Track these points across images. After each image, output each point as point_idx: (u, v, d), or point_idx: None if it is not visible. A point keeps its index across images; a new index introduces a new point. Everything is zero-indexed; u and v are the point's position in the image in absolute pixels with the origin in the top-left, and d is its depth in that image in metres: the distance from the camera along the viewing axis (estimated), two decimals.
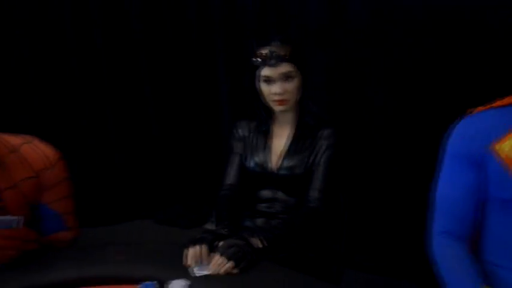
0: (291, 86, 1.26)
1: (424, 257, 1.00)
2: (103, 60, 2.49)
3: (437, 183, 1.01)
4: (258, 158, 1.35)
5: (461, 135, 0.97)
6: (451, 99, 1.75)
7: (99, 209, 2.56)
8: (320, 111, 1.36)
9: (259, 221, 1.35)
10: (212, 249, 1.09)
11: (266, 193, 1.35)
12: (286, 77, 1.25)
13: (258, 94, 1.32)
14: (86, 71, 2.49)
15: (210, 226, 2.58)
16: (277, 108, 1.29)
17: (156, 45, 2.46)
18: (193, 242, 1.10)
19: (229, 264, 1.03)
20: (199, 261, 1.07)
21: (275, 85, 1.25)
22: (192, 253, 1.08)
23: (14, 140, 1.21)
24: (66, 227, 1.26)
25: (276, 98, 1.26)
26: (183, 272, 1.04)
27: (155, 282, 1.00)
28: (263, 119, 1.37)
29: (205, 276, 1.03)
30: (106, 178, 2.59)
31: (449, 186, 0.99)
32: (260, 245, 1.10)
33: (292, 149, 1.33)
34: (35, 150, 1.20)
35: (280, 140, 1.36)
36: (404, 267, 1.95)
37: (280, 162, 1.33)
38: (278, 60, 1.23)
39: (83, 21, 2.43)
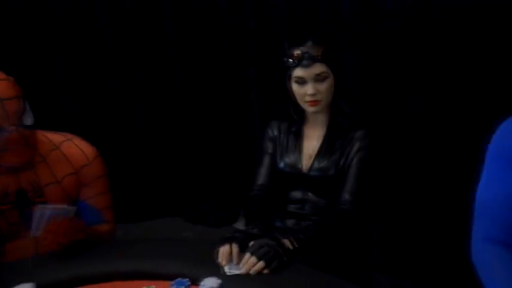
0: (324, 86, 1.25)
1: (458, 263, 0.96)
2: (138, 61, 2.55)
3: (479, 186, 0.97)
4: (289, 159, 1.35)
5: (504, 136, 0.93)
6: (491, 99, 1.68)
7: (131, 206, 2.62)
8: (352, 112, 1.34)
9: (290, 222, 1.34)
10: (243, 249, 1.10)
11: (297, 194, 1.35)
12: (318, 78, 1.24)
13: (289, 95, 1.32)
14: (122, 71, 2.57)
15: (239, 225, 2.60)
16: (309, 109, 1.29)
17: (188, 46, 2.50)
18: (225, 241, 1.11)
19: (260, 264, 1.04)
20: (231, 260, 1.08)
21: (308, 86, 1.25)
22: (223, 252, 1.09)
23: (56, 137, 1.26)
24: (104, 221, 1.30)
25: (309, 98, 1.26)
26: (215, 270, 1.05)
27: (187, 279, 1.02)
28: (294, 120, 1.37)
29: (237, 275, 1.04)
30: (138, 176, 2.66)
31: (491, 189, 0.94)
32: (291, 246, 1.10)
33: (324, 150, 1.32)
34: (75, 148, 1.25)
35: (312, 141, 1.35)
36: (437, 274, 1.89)
37: (311, 163, 1.32)
38: (311, 60, 1.23)
39: (120, 23, 2.50)
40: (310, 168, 1.32)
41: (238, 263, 1.07)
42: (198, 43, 2.49)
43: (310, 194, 1.33)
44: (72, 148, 1.25)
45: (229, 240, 1.11)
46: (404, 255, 1.98)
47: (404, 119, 1.92)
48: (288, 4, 2.18)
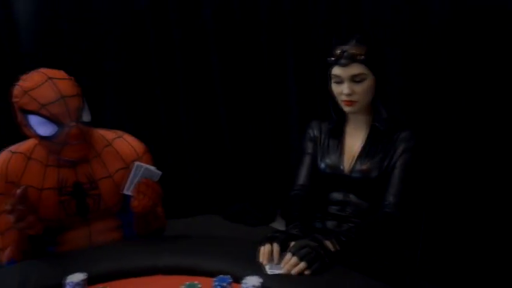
0: (360, 88, 1.22)
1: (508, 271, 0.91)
2: (179, 60, 2.61)
3: None
4: (330, 160, 1.33)
5: None
6: None
7: (171, 203, 2.68)
8: (394, 113, 1.31)
9: (330, 224, 1.33)
10: (284, 249, 1.10)
11: (338, 195, 1.33)
12: (355, 79, 1.21)
13: (331, 93, 1.30)
14: (164, 74, 2.63)
15: (276, 225, 2.60)
16: (345, 108, 1.27)
17: (228, 46, 2.53)
18: (266, 240, 1.11)
19: (302, 265, 1.03)
20: (271, 260, 1.08)
21: (344, 85, 1.23)
22: (264, 251, 1.09)
23: (108, 134, 1.33)
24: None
25: (344, 98, 1.24)
26: (257, 268, 1.05)
27: (229, 276, 1.03)
28: (336, 120, 1.35)
29: (278, 275, 1.04)
30: (179, 174, 2.72)
31: None
32: (333, 248, 1.08)
33: (366, 151, 1.29)
34: (125, 144, 1.32)
35: (354, 141, 1.32)
36: (487, 284, 1.80)
37: (353, 164, 1.30)
38: (349, 60, 1.21)
39: (162, 24, 2.57)
40: (352, 170, 1.29)
41: (279, 263, 1.07)
42: (237, 43, 2.51)
43: (351, 196, 1.30)
44: (123, 144, 1.31)
45: (270, 240, 1.11)
46: (451, 262, 1.90)
47: (450, 119, 1.85)
48: (328, 4, 2.16)
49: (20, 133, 1.24)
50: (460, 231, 1.87)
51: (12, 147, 1.27)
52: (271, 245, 1.10)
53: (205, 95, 2.64)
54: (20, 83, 1.17)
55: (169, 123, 2.70)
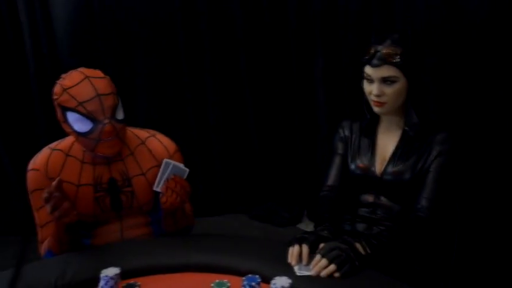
0: (390, 90, 1.19)
1: None
2: (207, 61, 2.63)
3: None
4: (361, 161, 1.31)
5: None
6: None
7: (198, 201, 2.72)
8: (428, 115, 1.27)
9: (360, 226, 1.31)
10: (313, 250, 1.09)
11: (368, 197, 1.30)
12: (386, 80, 1.19)
13: (362, 92, 1.28)
14: (193, 71, 2.67)
15: (302, 226, 2.59)
16: (374, 109, 1.25)
17: (255, 46, 2.53)
18: (295, 241, 1.11)
19: (331, 267, 1.02)
20: (300, 261, 1.08)
21: (374, 85, 1.21)
22: (292, 252, 1.09)
23: (141, 133, 1.37)
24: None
25: (373, 98, 1.22)
26: (285, 269, 1.05)
27: (258, 276, 1.03)
28: (368, 120, 1.33)
29: (307, 276, 1.03)
30: (206, 173, 2.75)
31: None
32: (363, 251, 1.07)
33: (399, 153, 1.26)
34: (158, 143, 1.35)
35: (386, 142, 1.30)
36: None
37: (384, 166, 1.27)
38: (381, 61, 1.18)
39: (192, 25, 2.60)
40: (384, 172, 1.27)
41: (308, 264, 1.07)
42: (266, 43, 2.51)
43: (382, 198, 1.28)
44: (156, 143, 1.35)
45: (299, 241, 1.11)
46: (486, 268, 1.83)
47: (486, 121, 1.78)
48: (358, 4, 2.13)
49: (60, 130, 1.28)
50: (496, 236, 1.80)
51: (52, 144, 1.32)
52: (300, 246, 1.09)
53: (233, 95, 2.66)
54: (60, 81, 1.22)
55: (197, 123, 2.73)
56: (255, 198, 2.73)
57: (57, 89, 1.21)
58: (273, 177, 2.67)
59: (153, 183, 1.22)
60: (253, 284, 1.00)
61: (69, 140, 1.32)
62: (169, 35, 2.64)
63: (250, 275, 1.03)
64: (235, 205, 2.77)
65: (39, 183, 1.24)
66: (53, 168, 1.26)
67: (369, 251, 1.07)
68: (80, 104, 1.17)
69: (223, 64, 2.62)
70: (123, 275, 1.04)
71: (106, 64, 2.68)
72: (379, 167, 1.28)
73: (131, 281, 1.06)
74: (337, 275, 1.02)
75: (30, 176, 1.26)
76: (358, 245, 1.07)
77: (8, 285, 0.42)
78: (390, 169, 1.26)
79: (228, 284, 1.01)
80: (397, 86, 1.20)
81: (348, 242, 1.07)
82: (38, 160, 1.27)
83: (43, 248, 1.27)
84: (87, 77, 1.20)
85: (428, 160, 1.22)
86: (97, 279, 1.02)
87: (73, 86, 1.18)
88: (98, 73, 1.24)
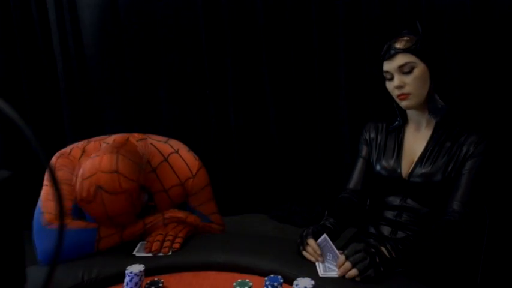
0: (410, 78, 1.17)
1: None
2: (229, 60, 2.65)
3: None
4: (386, 162, 1.28)
5: None
6: None
7: (219, 201, 2.73)
8: (446, 107, 1.22)
9: (385, 229, 1.28)
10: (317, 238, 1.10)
11: (394, 200, 1.27)
12: (403, 70, 1.16)
13: (389, 94, 1.26)
14: (214, 70, 2.69)
15: None
16: (401, 104, 1.21)
17: (277, 47, 2.53)
18: (300, 242, 1.12)
19: (353, 272, 1.00)
20: (324, 256, 1.07)
21: (394, 79, 1.19)
22: (308, 252, 1.09)
23: (164, 149, 1.33)
24: (213, 222, 1.37)
25: (397, 92, 1.19)
26: (310, 270, 1.05)
27: (280, 276, 1.02)
28: (394, 120, 1.30)
29: (331, 278, 1.02)
30: (227, 173, 2.76)
31: None
32: (388, 256, 1.04)
33: (428, 153, 1.22)
34: (180, 161, 1.32)
35: (414, 143, 1.26)
36: None
37: (412, 168, 1.24)
38: (394, 52, 1.17)
39: (214, 22, 2.62)
40: (411, 174, 1.23)
41: (332, 264, 1.05)
42: (288, 42, 2.50)
43: (409, 201, 1.24)
44: (178, 161, 1.32)
45: (304, 239, 1.11)
46: None
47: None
48: (382, 9, 2.10)
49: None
50: None
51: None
52: (307, 242, 1.10)
53: (254, 94, 2.66)
54: (77, 194, 1.12)
55: (218, 122, 2.75)
56: (275, 198, 2.72)
57: (73, 194, 1.14)
58: (294, 177, 2.66)
59: (175, 200, 1.24)
60: (275, 284, 0.99)
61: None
62: (192, 35, 2.67)
63: (272, 275, 1.02)
64: (255, 205, 2.77)
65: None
66: None
67: (394, 255, 1.04)
68: (91, 215, 1.15)
69: (244, 64, 2.63)
70: (147, 272, 1.06)
71: (129, 66, 2.74)
72: (405, 168, 1.25)
73: (155, 278, 1.07)
74: (358, 279, 1.00)
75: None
76: (384, 249, 1.04)
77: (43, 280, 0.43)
78: (418, 171, 1.22)
79: (250, 284, 1.01)
80: (416, 73, 1.17)
81: (374, 245, 1.05)
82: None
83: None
84: (99, 187, 1.08)
85: (461, 162, 1.18)
86: (122, 275, 1.04)
87: (85, 202, 1.11)
88: (112, 180, 1.09)
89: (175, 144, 1.36)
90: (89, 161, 1.13)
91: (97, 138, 1.36)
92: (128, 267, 1.04)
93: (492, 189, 1.29)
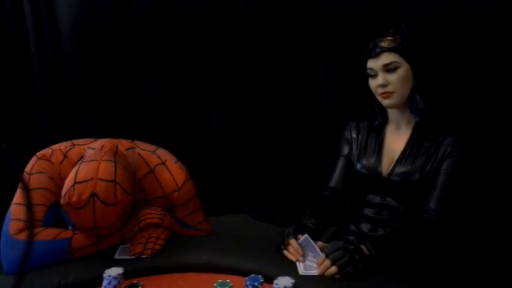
0: (394, 77, 1.18)
1: None
2: (210, 60, 2.63)
3: None
4: (367, 161, 1.29)
5: None
6: None
7: (202, 201, 2.72)
8: (426, 107, 1.24)
9: (365, 227, 1.29)
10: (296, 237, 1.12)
11: (374, 198, 1.29)
12: (388, 68, 1.18)
13: (370, 92, 1.27)
14: (196, 71, 2.67)
15: None
16: (383, 102, 1.23)
17: (259, 47, 2.52)
18: (282, 242, 1.12)
19: (333, 269, 1.01)
20: (305, 256, 1.08)
21: (378, 77, 1.20)
22: (289, 251, 1.09)
23: (152, 160, 1.30)
24: (200, 231, 1.36)
25: (380, 90, 1.21)
26: (290, 269, 1.05)
27: (261, 276, 1.02)
28: (375, 119, 1.31)
29: (311, 276, 1.02)
30: (209, 174, 2.74)
31: None
32: (368, 253, 1.05)
33: (407, 153, 1.24)
34: (166, 173, 1.29)
35: (394, 142, 1.28)
36: None
37: (392, 167, 1.25)
38: (380, 50, 1.18)
39: (195, 22, 2.60)
40: (391, 173, 1.25)
41: (312, 263, 1.06)
42: (269, 42, 2.50)
43: (389, 199, 1.26)
44: (165, 173, 1.29)
45: (285, 238, 1.12)
46: (489, 269, 1.82)
47: (495, 121, 1.76)
48: (361, 4, 2.12)
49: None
50: (499, 236, 1.79)
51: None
52: (289, 242, 1.10)
53: (236, 95, 2.65)
54: (66, 197, 1.06)
55: (200, 123, 2.73)
56: (257, 198, 2.72)
57: (62, 201, 1.08)
58: (276, 177, 2.66)
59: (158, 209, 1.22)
60: (255, 284, 0.99)
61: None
62: (173, 35, 2.64)
63: (252, 275, 1.02)
64: (237, 205, 2.77)
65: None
66: None
67: (373, 253, 1.06)
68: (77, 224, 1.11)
69: (226, 64, 2.62)
70: (126, 275, 1.04)
71: (110, 66, 2.69)
72: (385, 168, 1.27)
73: (134, 281, 1.06)
74: (337, 276, 1.01)
75: None
76: (363, 247, 1.06)
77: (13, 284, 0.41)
78: (398, 170, 1.24)
79: (231, 284, 1.00)
80: (400, 72, 1.19)
81: (353, 243, 1.06)
82: None
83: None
84: (93, 194, 1.04)
85: (438, 161, 1.20)
86: (100, 279, 1.02)
87: (73, 210, 1.06)
88: (107, 190, 1.05)
89: (163, 154, 1.33)
90: (84, 165, 1.09)
91: (81, 141, 1.32)
92: (106, 271, 1.02)
93: (467, 188, 1.32)
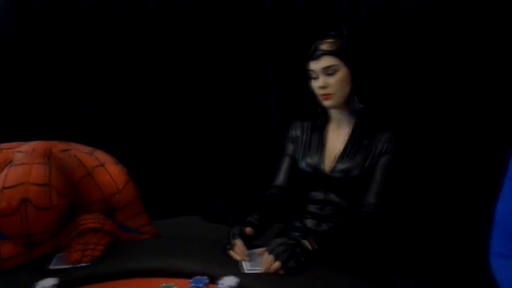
0: (333, 80, 1.24)
1: (478, 267, 0.93)
2: (157, 61, 2.58)
3: (498, 202, 0.94)
4: (311, 159, 1.33)
5: None
6: None
7: (150, 204, 2.64)
8: (363, 107, 1.30)
9: (309, 222, 1.33)
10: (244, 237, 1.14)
11: (318, 194, 1.33)
12: (328, 71, 1.23)
13: (312, 93, 1.31)
14: (142, 72, 2.60)
15: None
16: (323, 103, 1.28)
17: (207, 46, 2.51)
18: (228, 242, 1.13)
19: (276, 264, 1.03)
20: (248, 255, 1.09)
21: (318, 79, 1.25)
22: (235, 251, 1.10)
23: (89, 161, 1.25)
24: (145, 234, 1.32)
25: (320, 92, 1.26)
26: (233, 268, 1.05)
27: (206, 277, 1.02)
28: (317, 119, 1.35)
29: (255, 274, 1.03)
30: (158, 176, 2.69)
31: (508, 204, 0.91)
32: (310, 247, 1.08)
33: (348, 150, 1.29)
34: (106, 176, 1.24)
35: (336, 140, 1.33)
36: (456, 277, 1.85)
37: (334, 164, 1.30)
38: (320, 52, 1.23)
39: (140, 22, 2.54)
40: (333, 169, 1.29)
41: (256, 260, 1.07)
42: (217, 43, 2.50)
43: (332, 195, 1.30)
44: (104, 176, 1.24)
45: (231, 238, 1.13)
46: (424, 259, 1.94)
47: (427, 123, 1.88)
48: (308, 5, 2.17)
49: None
50: (432, 228, 1.91)
51: None
52: (235, 242, 1.11)
53: (184, 96, 2.62)
54: None
55: (148, 125, 2.67)
56: (208, 199, 2.71)
57: None
58: (226, 178, 2.66)
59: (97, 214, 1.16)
60: (200, 285, 0.99)
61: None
62: (117, 32, 2.56)
63: (197, 277, 1.02)
64: (188, 207, 2.73)
65: None
66: None
67: (316, 247, 1.09)
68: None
69: (173, 65, 2.58)
70: (62, 286, 0.99)
71: (52, 66, 2.55)
72: (328, 165, 1.31)
73: None
74: (281, 272, 1.03)
75: None
76: (305, 241, 1.09)
77: None
78: (339, 167, 1.28)
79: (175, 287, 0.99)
80: (339, 75, 1.23)
81: (294, 238, 1.09)
82: None
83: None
84: (24, 200, 0.98)
85: (375, 158, 1.26)
86: None
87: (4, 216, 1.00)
88: (45, 200, 1.02)
89: (102, 156, 1.28)
90: (13, 169, 1.02)
91: (7, 145, 1.24)
92: (39, 282, 0.96)
93: (404, 183, 1.40)
